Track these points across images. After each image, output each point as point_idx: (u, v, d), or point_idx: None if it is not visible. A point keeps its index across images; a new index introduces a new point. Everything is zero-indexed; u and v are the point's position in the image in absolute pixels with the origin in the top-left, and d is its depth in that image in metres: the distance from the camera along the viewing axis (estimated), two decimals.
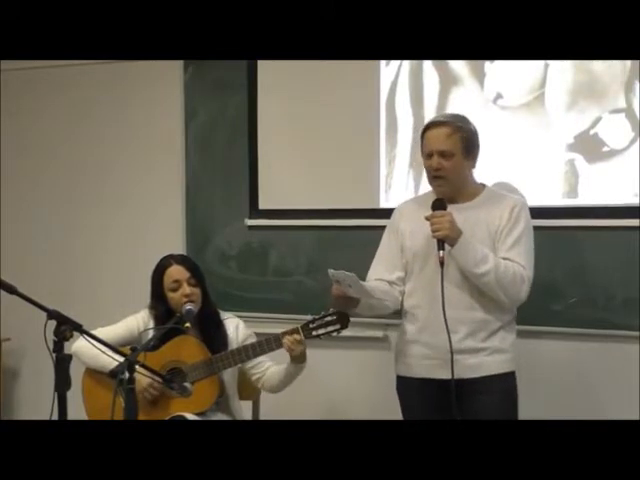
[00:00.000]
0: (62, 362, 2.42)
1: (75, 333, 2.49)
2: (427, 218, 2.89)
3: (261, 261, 4.12)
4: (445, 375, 2.88)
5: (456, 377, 2.86)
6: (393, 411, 3.13)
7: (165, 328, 3.12)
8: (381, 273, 3.09)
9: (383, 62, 3.83)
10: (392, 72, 3.84)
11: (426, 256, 2.98)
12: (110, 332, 3.22)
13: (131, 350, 2.63)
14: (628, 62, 3.43)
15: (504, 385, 2.98)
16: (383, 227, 3.21)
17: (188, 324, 3.13)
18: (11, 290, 2.41)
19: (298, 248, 4.03)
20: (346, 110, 3.88)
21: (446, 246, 2.87)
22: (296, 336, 3.08)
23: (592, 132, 3.51)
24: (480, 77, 3.68)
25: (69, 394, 2.43)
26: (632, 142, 3.45)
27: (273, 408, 3.53)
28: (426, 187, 3.23)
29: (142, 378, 2.92)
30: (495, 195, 3.05)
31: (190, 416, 3.07)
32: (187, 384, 2.83)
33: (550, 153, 3.57)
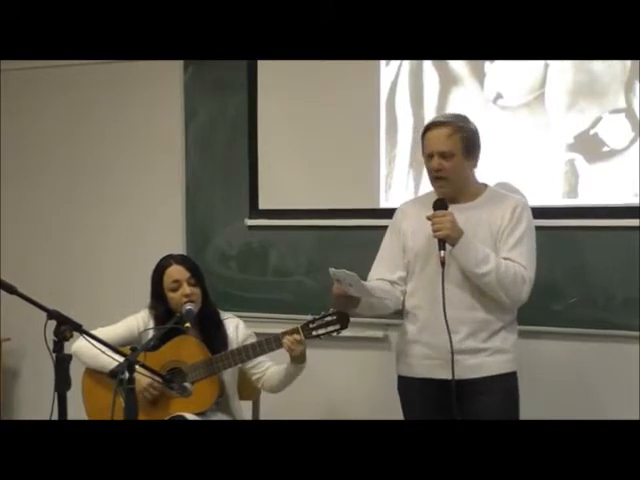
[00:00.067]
0: (62, 362, 2.42)
1: (75, 333, 2.49)
2: (428, 218, 2.89)
3: (261, 261, 4.12)
4: (446, 375, 2.88)
5: (457, 377, 2.86)
6: (393, 411, 3.13)
7: (165, 328, 3.12)
8: (383, 273, 3.08)
9: (383, 62, 3.83)
10: (392, 72, 3.84)
11: (427, 256, 2.97)
12: (110, 332, 3.22)
13: (131, 350, 2.63)
14: (628, 62, 3.43)
15: (505, 385, 2.98)
16: (383, 227, 3.21)
17: (188, 324, 3.13)
18: (11, 290, 2.41)
19: (298, 248, 4.03)
20: (346, 110, 3.88)
21: (447, 246, 2.86)
22: (296, 336, 3.08)
23: (592, 132, 3.51)
24: (480, 77, 3.68)
25: (69, 394, 2.43)
26: (632, 142, 3.45)
27: (273, 408, 3.53)
28: (426, 187, 3.24)
29: (142, 378, 2.92)
30: (497, 195, 3.05)
31: (190, 416, 3.07)
32: (187, 384, 2.83)
33: (550, 153, 3.57)
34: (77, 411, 2.99)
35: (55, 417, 2.38)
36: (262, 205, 4.09)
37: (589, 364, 3.57)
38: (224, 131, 4.17)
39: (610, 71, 3.46)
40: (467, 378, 2.92)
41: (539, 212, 3.23)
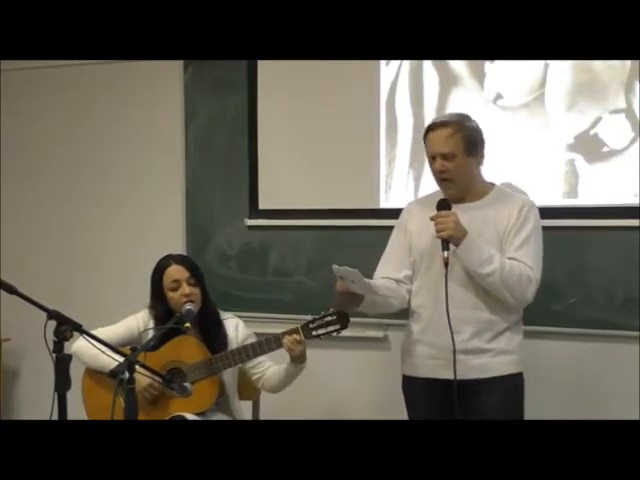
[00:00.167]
0: (62, 362, 2.42)
1: (75, 333, 2.49)
2: (432, 218, 2.88)
3: (261, 261, 4.12)
4: (450, 375, 2.86)
5: (461, 378, 2.85)
6: (393, 411, 3.13)
7: (165, 328, 3.12)
8: (388, 271, 3.08)
9: (383, 62, 3.83)
10: (392, 72, 3.84)
11: (432, 256, 2.97)
12: (110, 332, 3.22)
13: (131, 350, 2.62)
14: (628, 62, 3.43)
15: (509, 386, 2.96)
16: (383, 227, 3.21)
17: (188, 324, 3.13)
18: (11, 290, 2.41)
19: (298, 248, 4.03)
20: (346, 110, 3.88)
21: (451, 246, 2.86)
22: (296, 336, 3.08)
23: (592, 132, 3.51)
24: (480, 77, 3.68)
25: (69, 394, 2.43)
26: (632, 142, 3.45)
27: (273, 408, 3.53)
28: (426, 187, 3.24)
29: (142, 378, 2.92)
30: (504, 194, 3.03)
31: (190, 416, 3.07)
32: (187, 384, 2.83)
33: (550, 153, 3.57)
34: (77, 411, 2.99)
35: (55, 417, 2.38)
36: (262, 205, 4.09)
37: (589, 364, 3.58)
38: (224, 131, 4.17)
39: (610, 71, 3.46)
40: (471, 378, 2.90)
41: (539, 212, 3.23)
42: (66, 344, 2.45)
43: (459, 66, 3.71)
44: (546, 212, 3.43)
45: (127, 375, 2.47)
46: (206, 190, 4.21)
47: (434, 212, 2.91)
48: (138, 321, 3.30)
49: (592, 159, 3.52)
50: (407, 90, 3.82)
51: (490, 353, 2.94)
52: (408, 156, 3.81)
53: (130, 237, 4.42)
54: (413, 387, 3.06)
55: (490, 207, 2.97)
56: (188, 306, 3.16)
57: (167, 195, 4.32)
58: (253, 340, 3.27)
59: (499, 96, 3.66)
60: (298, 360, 3.14)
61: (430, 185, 3.16)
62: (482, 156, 2.98)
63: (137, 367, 2.51)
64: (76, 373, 2.87)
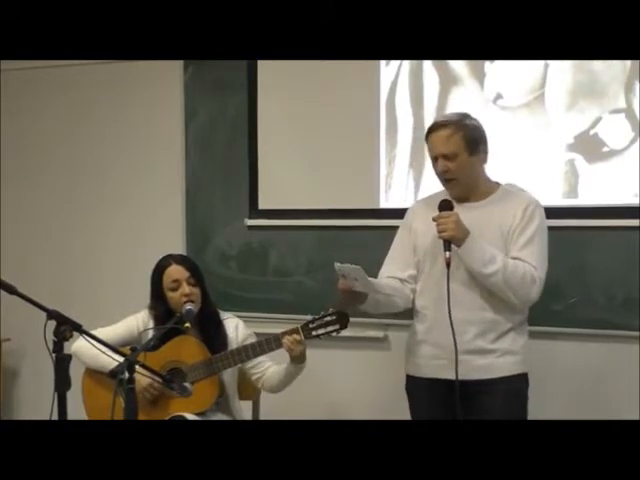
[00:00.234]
0: (62, 362, 2.42)
1: (75, 333, 2.49)
2: (433, 219, 2.88)
3: (261, 261, 4.12)
4: (453, 375, 2.85)
5: (465, 378, 2.84)
6: (394, 411, 3.13)
7: (165, 328, 3.12)
8: (393, 271, 3.07)
9: (383, 62, 3.83)
10: (392, 72, 3.84)
11: (435, 256, 2.96)
12: (110, 332, 3.22)
13: (131, 350, 2.63)
14: (628, 62, 3.43)
15: (513, 387, 2.95)
16: (383, 227, 3.21)
17: (188, 324, 3.13)
18: (11, 290, 2.41)
19: (298, 248, 4.03)
20: (346, 110, 3.88)
21: (453, 247, 2.85)
22: (296, 336, 3.08)
23: (592, 132, 3.51)
24: (480, 77, 3.68)
25: (69, 394, 2.43)
26: (632, 142, 3.45)
27: (273, 408, 3.53)
28: (426, 187, 3.24)
29: (142, 378, 2.92)
30: (509, 194, 3.01)
31: (190, 416, 3.07)
32: (187, 384, 2.83)
33: (550, 153, 3.57)
34: (77, 411, 2.99)
35: (55, 417, 2.38)
36: (262, 205, 4.09)
37: (589, 364, 3.58)
38: (224, 131, 4.17)
39: (610, 71, 3.46)
40: (475, 379, 2.90)
41: None
42: (66, 344, 2.46)
43: (459, 66, 3.71)
44: (546, 212, 3.42)
45: (127, 375, 2.47)
46: (206, 190, 4.21)
47: (437, 212, 2.90)
48: (138, 321, 3.31)
49: (592, 159, 3.52)
50: (407, 90, 3.82)
51: (494, 354, 2.93)
52: (408, 156, 3.81)
53: (130, 237, 4.42)
54: (417, 387, 3.06)
55: (495, 206, 2.96)
56: (188, 306, 3.16)
57: (167, 195, 4.32)
58: (253, 340, 3.27)
59: (499, 96, 3.66)
60: (298, 360, 3.14)
61: (430, 185, 3.16)
62: (485, 153, 2.97)
63: (137, 367, 2.51)
64: (76, 373, 2.87)
